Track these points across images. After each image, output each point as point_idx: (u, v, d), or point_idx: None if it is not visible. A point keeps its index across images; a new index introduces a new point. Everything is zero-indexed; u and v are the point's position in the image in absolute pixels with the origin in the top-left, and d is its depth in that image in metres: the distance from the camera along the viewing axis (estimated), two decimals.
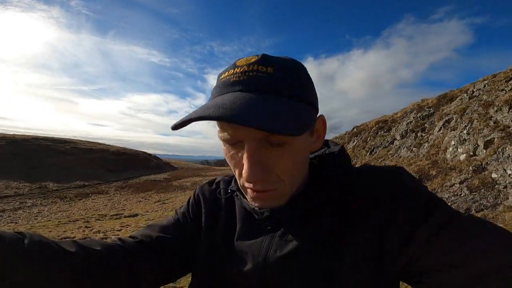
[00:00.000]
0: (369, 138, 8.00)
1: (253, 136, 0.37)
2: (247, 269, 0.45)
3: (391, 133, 7.21)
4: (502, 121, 4.24)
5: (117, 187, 24.28)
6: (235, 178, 0.47)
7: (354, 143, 8.53)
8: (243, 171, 0.38)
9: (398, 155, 6.07)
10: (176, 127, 0.37)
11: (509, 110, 4.07)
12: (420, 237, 0.37)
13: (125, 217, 11.13)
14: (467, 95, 5.62)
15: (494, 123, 4.30)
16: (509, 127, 3.99)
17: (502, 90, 4.71)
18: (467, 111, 4.92)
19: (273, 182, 0.40)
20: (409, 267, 0.39)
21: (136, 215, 11.44)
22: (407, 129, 6.46)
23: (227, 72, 0.40)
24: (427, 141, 5.61)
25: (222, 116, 0.32)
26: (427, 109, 6.47)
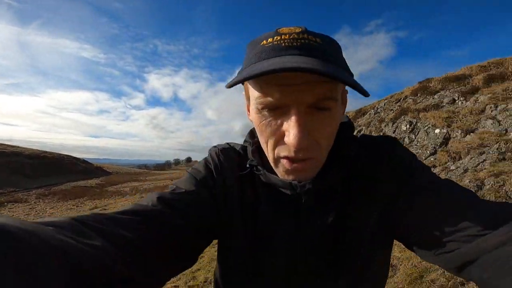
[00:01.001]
0: None
1: (304, 100, 0.36)
2: (281, 248, 0.45)
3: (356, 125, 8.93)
4: (387, 133, 6.15)
5: (39, 194, 21.04)
6: (256, 151, 0.48)
7: None
8: (290, 137, 0.36)
9: None
10: (236, 83, 0.35)
11: (392, 125, 6.00)
12: (404, 195, 0.42)
13: None
14: (373, 111, 7.62)
15: (383, 134, 6.19)
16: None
17: (391, 110, 6.79)
18: (370, 124, 6.79)
19: (313, 150, 0.39)
20: (398, 224, 0.43)
21: None
22: (374, 119, 8.16)
23: (271, 38, 0.38)
24: (406, 135, 7.42)
25: (313, 68, 0.30)
26: (399, 100, 8.10)
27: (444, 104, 5.77)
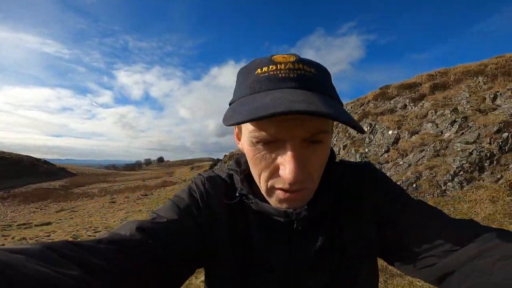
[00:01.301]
0: None
1: (299, 135, 0.36)
2: (273, 274, 0.45)
3: None
4: (352, 133, 7.04)
5: None
6: (244, 179, 0.48)
7: None
8: (286, 172, 0.36)
9: None
10: (237, 123, 0.33)
11: (378, 126, 6.77)
12: (393, 216, 0.47)
13: (36, 226, 9.78)
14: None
15: (348, 134, 7.08)
16: (355, 137, 6.75)
17: (356, 112, 7.66)
18: (338, 126, 7.60)
19: (307, 181, 0.39)
20: (382, 241, 0.47)
21: (50, 223, 10.22)
22: None
23: (265, 67, 0.38)
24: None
25: (315, 111, 0.30)
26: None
27: (398, 108, 6.71)
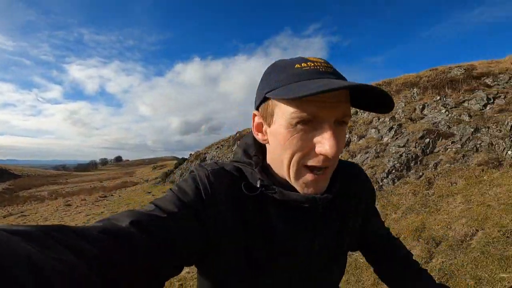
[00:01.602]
0: None
1: (335, 115, 0.41)
2: (296, 260, 0.50)
3: None
4: None
5: None
6: (261, 171, 0.49)
7: None
8: (326, 147, 0.40)
9: None
10: (309, 94, 0.35)
11: None
12: (371, 213, 0.64)
13: None
14: None
15: None
16: None
17: None
18: None
19: (333, 159, 0.43)
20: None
21: None
22: None
23: (304, 63, 0.43)
24: None
25: (367, 84, 0.37)
26: None
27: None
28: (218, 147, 12.86)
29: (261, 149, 0.54)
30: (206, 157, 12.83)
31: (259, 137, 0.50)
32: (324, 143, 0.41)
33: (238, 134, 12.14)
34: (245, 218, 0.47)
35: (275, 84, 0.43)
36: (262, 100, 0.46)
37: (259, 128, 0.50)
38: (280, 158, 0.46)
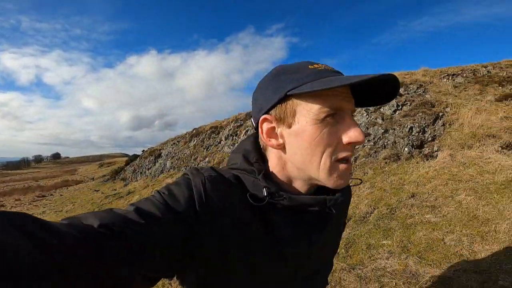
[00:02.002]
0: (205, 139, 10.86)
1: (351, 108, 0.46)
2: (295, 261, 0.51)
3: (220, 136, 10.33)
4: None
5: None
6: (266, 178, 0.47)
7: (195, 142, 11.29)
8: (355, 134, 0.43)
9: (223, 151, 9.35)
10: (339, 86, 0.39)
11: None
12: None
13: None
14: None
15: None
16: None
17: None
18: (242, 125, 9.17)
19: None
20: None
21: None
22: (228, 134, 9.85)
23: (316, 65, 0.46)
24: (236, 142, 9.40)
25: (387, 77, 0.41)
26: (239, 121, 10.32)
27: None
28: (174, 143, 12.79)
29: (262, 155, 0.53)
30: (161, 153, 12.68)
31: (272, 143, 0.48)
32: (353, 131, 0.43)
33: (194, 131, 12.27)
34: (246, 227, 0.45)
35: (296, 83, 0.43)
36: (278, 101, 0.45)
37: (271, 133, 0.48)
38: (307, 158, 0.45)
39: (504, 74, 6.44)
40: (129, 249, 0.34)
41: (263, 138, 0.50)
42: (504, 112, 4.97)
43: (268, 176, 0.50)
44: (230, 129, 10.17)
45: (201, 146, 10.66)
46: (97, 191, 13.74)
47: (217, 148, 9.87)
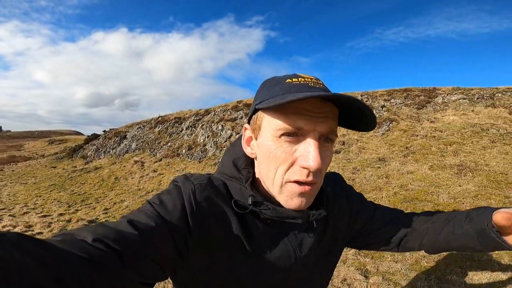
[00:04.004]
0: (169, 127, 12.16)
1: (321, 130, 0.42)
2: (281, 273, 0.51)
3: (182, 125, 11.78)
4: (215, 130, 10.26)
5: None
6: (252, 187, 0.49)
7: (159, 128, 12.54)
8: (309, 159, 0.41)
9: (183, 139, 10.68)
10: (276, 105, 0.39)
11: (225, 128, 10.43)
12: (365, 214, 0.63)
13: None
14: (214, 113, 11.92)
15: (212, 132, 10.48)
16: (214, 131, 10.32)
17: (219, 116, 11.40)
18: (212, 121, 10.71)
19: (318, 176, 0.44)
20: (361, 232, 0.64)
21: None
22: (188, 125, 11.37)
23: (295, 79, 0.45)
24: (194, 133, 10.89)
25: (355, 99, 0.39)
26: (199, 116, 11.86)
27: (238, 119, 10.79)
28: (139, 127, 13.63)
29: (251, 161, 0.54)
30: (127, 135, 13.65)
31: (247, 151, 0.51)
32: (307, 156, 0.41)
33: (160, 118, 13.24)
34: (232, 236, 0.47)
35: (265, 97, 0.45)
36: (252, 113, 0.48)
37: (249, 142, 0.51)
38: (265, 171, 0.46)
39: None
40: (124, 262, 0.35)
41: (243, 145, 0.53)
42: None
43: (255, 184, 0.51)
44: (191, 121, 11.76)
45: (165, 133, 11.99)
46: (54, 167, 13.72)
47: (179, 136, 11.34)
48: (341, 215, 0.61)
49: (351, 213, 0.63)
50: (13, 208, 6.00)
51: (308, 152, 0.42)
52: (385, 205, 0.69)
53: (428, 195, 3.83)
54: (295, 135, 0.43)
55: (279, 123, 0.43)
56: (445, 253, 2.29)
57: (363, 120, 0.45)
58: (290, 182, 0.45)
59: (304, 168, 0.43)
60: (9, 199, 7.01)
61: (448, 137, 5.71)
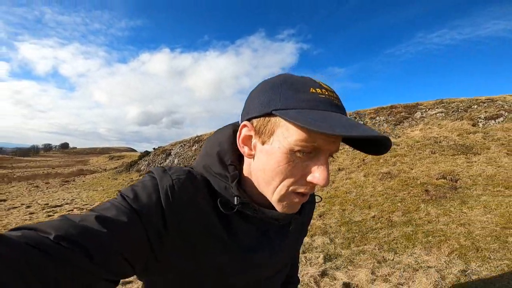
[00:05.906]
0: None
1: (332, 149, 0.43)
2: (259, 268, 0.53)
3: None
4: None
5: None
6: (238, 187, 0.48)
7: (195, 147, 14.20)
8: (320, 178, 0.42)
9: None
10: (326, 133, 0.36)
11: None
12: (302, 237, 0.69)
13: None
14: None
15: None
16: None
17: None
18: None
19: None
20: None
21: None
22: None
23: (319, 89, 0.43)
24: None
25: (381, 136, 0.38)
26: None
27: None
28: (181, 145, 15.33)
29: (239, 157, 0.52)
30: (171, 152, 15.34)
31: (244, 150, 0.48)
32: (319, 174, 0.42)
33: (197, 137, 14.57)
34: (212, 233, 0.46)
35: (287, 104, 0.42)
36: (262, 114, 0.44)
37: (246, 141, 0.47)
38: (268, 179, 0.45)
39: None
40: (90, 260, 0.33)
41: (238, 142, 0.48)
42: None
43: (241, 183, 0.50)
44: None
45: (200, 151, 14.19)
46: (116, 179, 15.65)
47: None
48: (305, 223, 0.67)
49: (303, 225, 0.68)
50: (93, 204, 8.01)
51: (320, 171, 0.42)
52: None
53: (345, 194, 4.67)
54: (310, 153, 0.42)
55: (298, 139, 0.40)
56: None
57: (382, 150, 0.44)
58: (294, 192, 0.45)
59: (312, 183, 0.43)
60: (88, 199, 9.30)
61: (398, 150, 6.07)
